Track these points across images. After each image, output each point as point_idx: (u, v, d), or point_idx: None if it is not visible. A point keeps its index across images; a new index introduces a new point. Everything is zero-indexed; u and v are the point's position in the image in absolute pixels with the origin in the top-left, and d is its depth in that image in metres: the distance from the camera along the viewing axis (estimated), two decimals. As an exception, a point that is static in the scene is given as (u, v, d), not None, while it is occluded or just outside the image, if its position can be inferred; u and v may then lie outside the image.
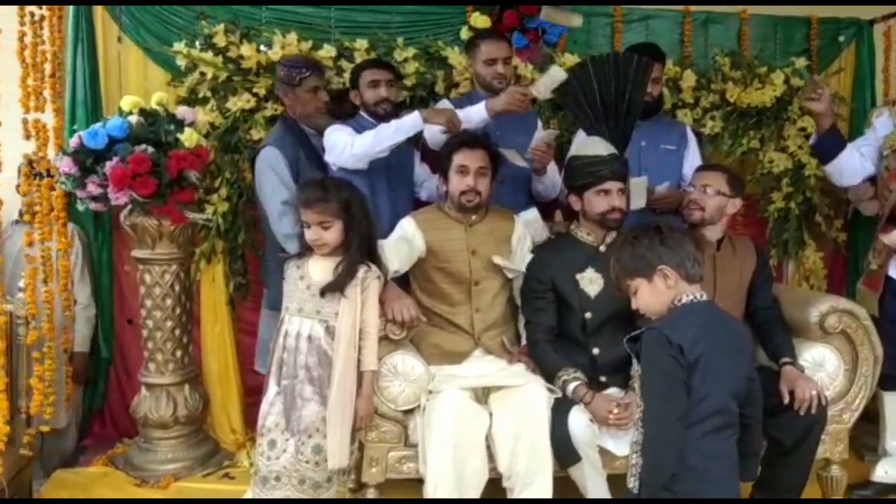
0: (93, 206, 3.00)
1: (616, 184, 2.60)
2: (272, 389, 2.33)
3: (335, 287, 2.32)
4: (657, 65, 3.12)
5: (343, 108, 3.28)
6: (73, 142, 2.88)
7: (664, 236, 1.95)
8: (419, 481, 2.43)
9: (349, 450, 2.32)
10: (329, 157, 2.92)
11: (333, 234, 2.34)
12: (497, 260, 2.69)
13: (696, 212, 2.69)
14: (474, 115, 2.79)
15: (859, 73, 3.81)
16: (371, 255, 2.42)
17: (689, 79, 3.52)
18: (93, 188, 2.90)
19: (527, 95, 2.78)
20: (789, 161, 3.59)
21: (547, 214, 3.27)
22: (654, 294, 1.95)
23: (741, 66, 3.59)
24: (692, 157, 3.24)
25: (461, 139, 2.69)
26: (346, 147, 2.80)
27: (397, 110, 3.18)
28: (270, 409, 2.31)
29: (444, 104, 3.10)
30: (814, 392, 2.42)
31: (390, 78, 3.03)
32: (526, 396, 2.44)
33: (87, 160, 2.86)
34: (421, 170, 3.19)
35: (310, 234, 2.34)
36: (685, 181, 3.16)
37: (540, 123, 3.26)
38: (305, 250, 2.40)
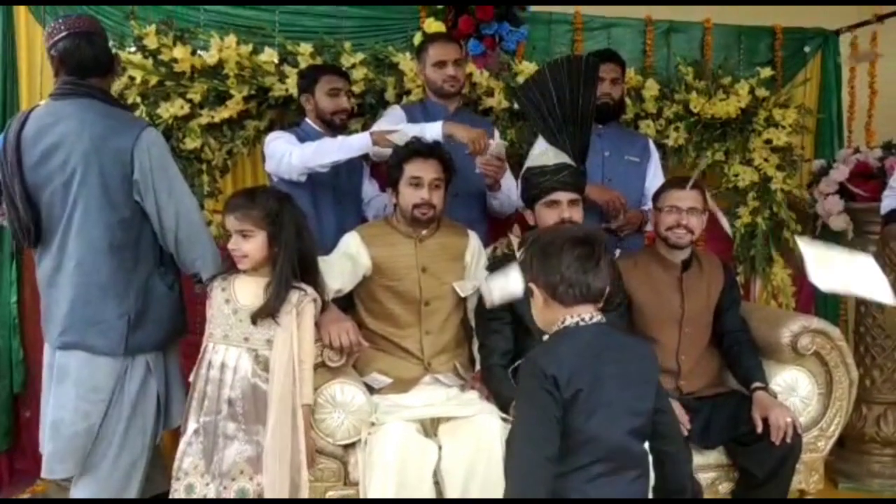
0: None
1: (566, 194, 2.45)
2: (191, 427, 2.09)
3: (267, 311, 2.09)
4: (615, 66, 3.03)
5: (286, 116, 3.10)
6: (-21, 151, 2.62)
7: (542, 251, 1.72)
8: (360, 524, 2.21)
9: (287, 496, 2.08)
10: (268, 167, 2.75)
11: (254, 245, 2.12)
12: (457, 287, 2.53)
13: (686, 235, 2.50)
14: (428, 133, 2.59)
15: (825, 84, 3.73)
16: (307, 277, 2.20)
17: (651, 88, 3.39)
18: None
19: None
20: (755, 174, 3.48)
21: (504, 229, 3.11)
22: (535, 309, 1.76)
23: (704, 76, 3.48)
24: (654, 172, 3.13)
25: (414, 148, 2.50)
26: (284, 155, 2.62)
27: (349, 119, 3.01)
28: (188, 448, 2.07)
29: (395, 111, 2.93)
30: (788, 419, 2.26)
31: (348, 88, 2.90)
32: (478, 428, 2.23)
33: None
34: (370, 186, 3.00)
35: (230, 244, 2.14)
36: (647, 196, 3.04)
37: (497, 134, 3.10)
38: (230, 268, 2.18)
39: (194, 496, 2.04)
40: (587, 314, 1.69)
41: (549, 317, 1.73)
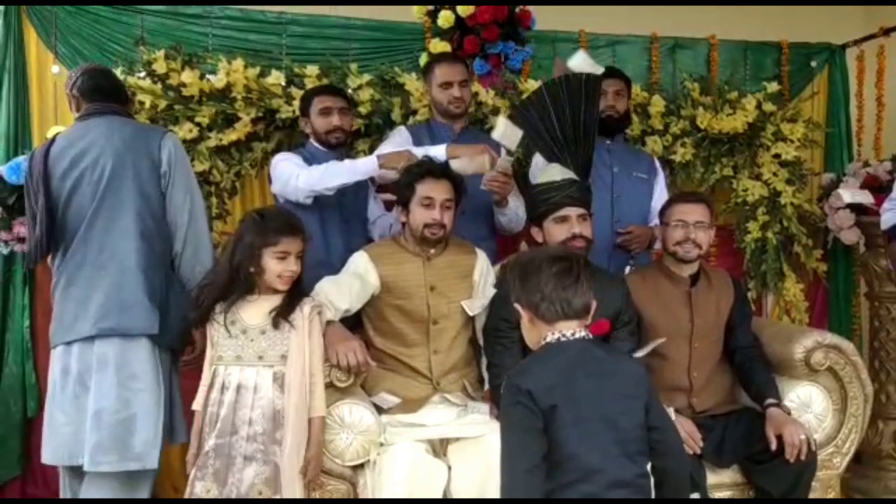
0: (18, 248, 2.75)
1: (575, 210, 2.44)
2: (202, 451, 2.08)
3: (288, 310, 2.14)
4: (618, 80, 3.02)
5: (293, 138, 3.12)
6: (-7, 178, 2.66)
7: (522, 271, 1.76)
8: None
9: None
10: (274, 188, 2.76)
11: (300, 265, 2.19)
12: (465, 305, 2.51)
13: (694, 250, 2.50)
14: (432, 156, 2.59)
15: (833, 98, 3.73)
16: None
17: (657, 104, 3.39)
18: (21, 229, 2.65)
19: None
20: (764, 189, 3.46)
21: (513, 246, 3.10)
22: (524, 329, 1.80)
23: (711, 92, 3.47)
24: (661, 191, 3.11)
25: (426, 168, 2.50)
26: (290, 178, 2.63)
27: (351, 139, 3.01)
28: (198, 473, 2.06)
29: (401, 132, 2.93)
30: (803, 436, 2.22)
31: (343, 105, 2.85)
32: (488, 447, 2.20)
33: (10, 198, 2.62)
34: (375, 206, 2.99)
35: (285, 266, 2.15)
36: (653, 214, 3.03)
37: (504, 151, 3.10)
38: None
39: (209, 520, 2.04)
40: (569, 330, 1.71)
41: (535, 335, 1.76)
